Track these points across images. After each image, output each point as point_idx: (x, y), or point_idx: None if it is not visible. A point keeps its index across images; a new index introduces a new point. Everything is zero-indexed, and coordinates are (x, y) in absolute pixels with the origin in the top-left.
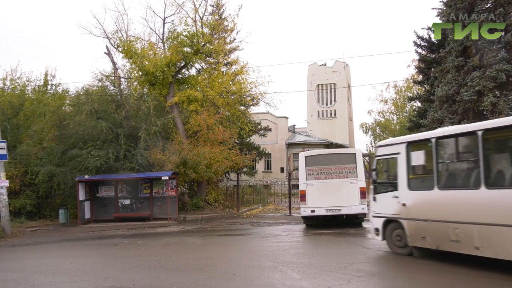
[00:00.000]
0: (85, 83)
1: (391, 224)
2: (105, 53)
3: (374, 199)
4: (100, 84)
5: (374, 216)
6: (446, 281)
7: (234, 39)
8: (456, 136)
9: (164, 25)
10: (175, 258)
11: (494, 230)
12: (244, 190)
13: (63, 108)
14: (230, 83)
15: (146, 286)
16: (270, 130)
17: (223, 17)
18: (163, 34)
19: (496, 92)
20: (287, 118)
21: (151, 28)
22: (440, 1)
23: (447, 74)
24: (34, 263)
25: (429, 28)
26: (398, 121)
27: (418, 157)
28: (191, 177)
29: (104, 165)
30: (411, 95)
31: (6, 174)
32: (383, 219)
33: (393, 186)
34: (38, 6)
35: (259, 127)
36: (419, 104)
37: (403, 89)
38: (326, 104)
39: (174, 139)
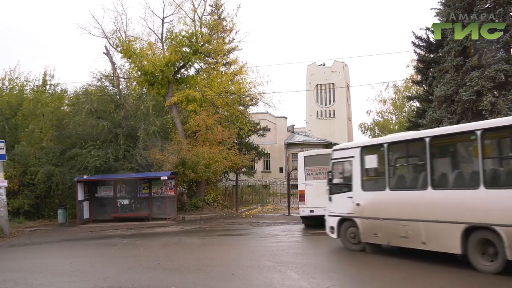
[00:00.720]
0: (84, 83)
1: (345, 222)
2: (104, 53)
3: (330, 199)
4: (99, 84)
5: (330, 215)
6: (444, 281)
7: (233, 39)
8: (406, 142)
9: (163, 25)
10: (174, 258)
11: (438, 226)
12: (243, 190)
13: (62, 108)
14: (229, 83)
15: (145, 286)
16: (269, 130)
17: (222, 17)
18: (162, 34)
19: (495, 92)
20: (286, 118)
21: (150, 28)
22: (438, 1)
23: (445, 74)
24: (33, 263)
25: (427, 29)
26: (397, 121)
27: (371, 161)
28: (190, 177)
29: (104, 165)
30: (410, 95)
31: (4, 174)
32: (338, 218)
33: (348, 187)
34: (38, 6)
35: (258, 127)
36: (418, 104)
37: (402, 89)
38: (325, 104)
39: (173, 139)
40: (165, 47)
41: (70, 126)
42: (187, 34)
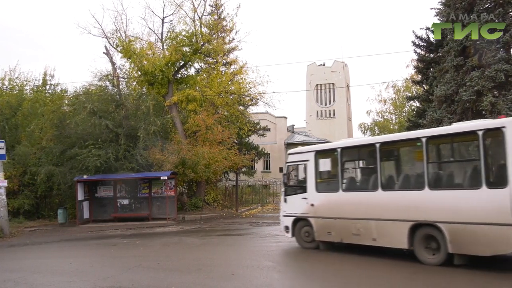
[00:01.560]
0: (84, 83)
1: (300, 222)
2: (104, 53)
3: (285, 200)
4: (99, 83)
5: (285, 216)
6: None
7: (233, 39)
8: (358, 147)
9: (163, 25)
10: (174, 258)
11: (387, 224)
12: (243, 190)
13: (62, 108)
14: (229, 83)
15: (145, 286)
16: (269, 130)
17: (222, 17)
18: (162, 34)
19: (495, 92)
20: (286, 118)
21: (150, 28)
22: (438, 1)
23: (446, 74)
24: (33, 263)
25: (427, 28)
26: (397, 121)
27: (325, 164)
28: (190, 177)
29: (104, 164)
30: (410, 95)
31: (4, 174)
32: (293, 218)
33: (303, 189)
34: (38, 6)
35: (258, 127)
36: (418, 104)
37: (402, 89)
38: (325, 104)
39: (173, 139)
40: (165, 47)
41: (71, 126)
42: (187, 34)
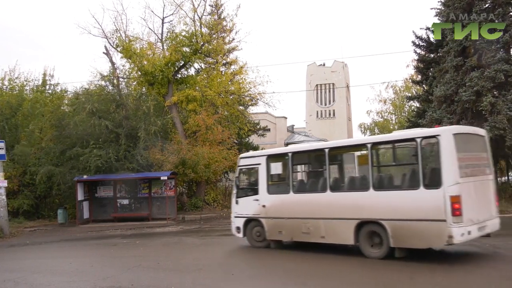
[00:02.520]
0: (84, 83)
1: (251, 222)
2: (103, 53)
3: (236, 202)
4: (99, 83)
5: (236, 217)
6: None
7: (233, 39)
8: (308, 152)
9: (163, 25)
10: (174, 258)
11: (335, 223)
12: None
13: (62, 108)
14: (229, 83)
15: (145, 286)
16: (269, 130)
17: (222, 17)
18: (162, 34)
19: (495, 92)
20: (286, 118)
21: (150, 28)
22: (438, 1)
23: (445, 74)
24: (33, 263)
25: (427, 28)
26: (397, 121)
27: (277, 168)
28: (190, 177)
29: (105, 164)
30: (410, 95)
31: (4, 174)
32: (244, 219)
33: (254, 191)
34: (38, 6)
35: (258, 127)
36: (418, 104)
37: (401, 89)
38: (325, 104)
39: (173, 139)
40: (165, 47)
41: (70, 126)
42: (187, 34)
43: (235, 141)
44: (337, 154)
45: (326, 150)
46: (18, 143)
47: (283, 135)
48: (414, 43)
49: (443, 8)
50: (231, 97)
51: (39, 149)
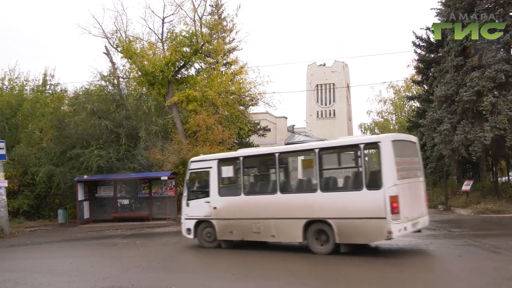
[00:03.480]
0: (84, 83)
1: (202, 224)
2: (104, 53)
3: (187, 204)
4: (100, 83)
5: (187, 219)
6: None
7: (233, 39)
8: (259, 156)
9: (163, 25)
10: (174, 258)
11: (285, 222)
12: None
13: (62, 108)
14: (229, 83)
15: (145, 286)
16: (269, 130)
17: (222, 17)
18: (162, 34)
19: (495, 92)
20: (286, 118)
21: (150, 28)
22: (438, 1)
23: (446, 74)
24: (33, 263)
25: (428, 29)
26: (397, 121)
27: (228, 171)
28: None
29: (106, 165)
30: (410, 95)
31: (4, 174)
32: (195, 220)
33: (205, 194)
34: (38, 6)
35: (258, 127)
36: (418, 104)
37: (402, 89)
38: (325, 104)
39: (173, 139)
40: (165, 47)
41: (71, 126)
42: (187, 34)
43: (236, 141)
44: (287, 158)
45: (277, 155)
46: (18, 143)
47: (283, 135)
48: (414, 43)
49: (443, 8)
50: (232, 97)
51: (39, 149)
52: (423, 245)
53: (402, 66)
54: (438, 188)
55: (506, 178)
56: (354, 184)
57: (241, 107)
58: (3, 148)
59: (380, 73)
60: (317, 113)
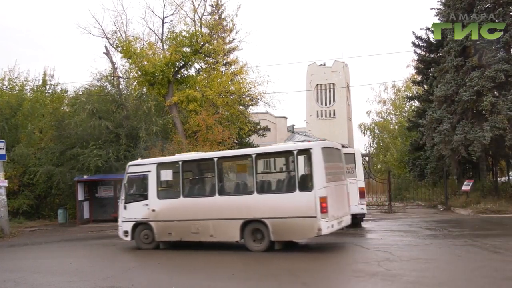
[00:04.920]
0: (84, 83)
1: (140, 226)
2: (104, 53)
3: (125, 207)
4: (99, 84)
5: (124, 221)
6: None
7: (233, 39)
8: (198, 160)
9: (163, 25)
10: (174, 258)
11: (223, 222)
12: None
13: (62, 108)
14: (229, 83)
15: (145, 286)
16: (269, 130)
17: (222, 17)
18: (162, 34)
19: (495, 92)
20: (286, 118)
21: (150, 28)
22: (438, 1)
23: (446, 74)
24: (33, 263)
25: (427, 29)
26: (396, 121)
27: (167, 175)
28: None
29: (105, 164)
30: (410, 95)
31: (4, 174)
32: (133, 223)
33: (144, 197)
34: (38, 6)
35: (258, 127)
36: (418, 104)
37: (402, 89)
38: (325, 104)
39: (173, 139)
40: (165, 47)
41: (70, 126)
42: (187, 34)
43: (236, 141)
44: (225, 162)
45: (215, 159)
46: (18, 143)
47: (283, 135)
48: (414, 43)
49: (443, 8)
50: (232, 97)
51: (39, 149)
52: (423, 245)
53: (402, 66)
54: (438, 188)
55: (506, 178)
56: (287, 186)
57: (241, 107)
58: (3, 148)
59: (380, 73)
60: (317, 113)
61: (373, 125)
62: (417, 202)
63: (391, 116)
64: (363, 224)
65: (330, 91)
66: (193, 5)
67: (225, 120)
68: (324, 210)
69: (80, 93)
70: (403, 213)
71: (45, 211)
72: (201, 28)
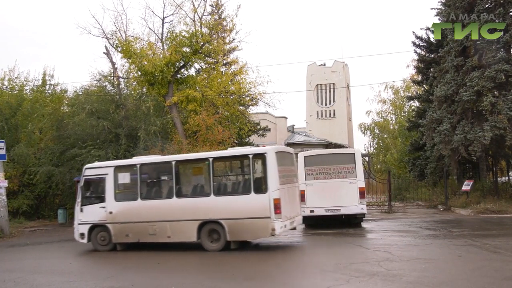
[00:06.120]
0: (84, 83)
1: (96, 228)
2: (104, 53)
3: (81, 210)
4: (99, 84)
5: (80, 224)
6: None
7: (233, 39)
8: (156, 163)
9: (163, 25)
10: (174, 258)
11: (181, 224)
12: None
13: (62, 108)
14: (229, 83)
15: (145, 286)
16: (269, 130)
17: (222, 17)
18: (162, 34)
19: (495, 92)
20: (286, 118)
21: (150, 28)
22: (438, 1)
23: (446, 74)
24: (33, 263)
25: (428, 29)
26: (396, 121)
27: (125, 177)
28: None
29: None
30: (410, 95)
31: (4, 174)
32: (89, 225)
33: (101, 199)
34: (39, 6)
35: (258, 127)
36: (418, 104)
37: (401, 89)
38: (325, 104)
39: (173, 139)
40: (165, 47)
41: (70, 127)
42: (187, 34)
43: (236, 141)
44: (182, 165)
45: (173, 162)
46: (18, 143)
47: (283, 135)
48: (414, 43)
49: (443, 8)
50: (231, 97)
51: (39, 149)
52: (423, 245)
53: (402, 66)
54: (438, 188)
55: (506, 178)
56: (243, 189)
57: (241, 107)
58: (3, 148)
59: (380, 73)
60: (317, 113)
61: (373, 125)
62: (417, 202)
63: (391, 116)
64: (363, 224)
65: (330, 91)
66: (193, 5)
67: (225, 120)
68: (278, 211)
69: (80, 93)
70: (403, 213)
71: (45, 211)
72: (201, 28)
